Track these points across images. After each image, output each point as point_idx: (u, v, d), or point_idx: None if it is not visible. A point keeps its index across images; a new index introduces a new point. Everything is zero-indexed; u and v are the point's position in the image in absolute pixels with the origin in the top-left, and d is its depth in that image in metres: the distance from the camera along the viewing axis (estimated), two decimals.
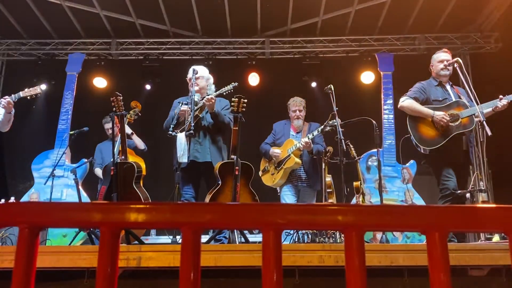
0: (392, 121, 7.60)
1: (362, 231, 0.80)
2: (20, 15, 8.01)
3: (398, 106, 4.57)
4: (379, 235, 5.97)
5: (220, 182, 4.34)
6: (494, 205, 0.82)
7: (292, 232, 4.38)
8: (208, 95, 4.72)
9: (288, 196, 5.23)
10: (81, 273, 2.64)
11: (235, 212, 0.82)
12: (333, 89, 4.77)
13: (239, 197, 4.17)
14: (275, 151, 5.25)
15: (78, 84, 8.08)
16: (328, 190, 5.09)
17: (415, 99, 4.43)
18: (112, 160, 4.38)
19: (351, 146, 5.38)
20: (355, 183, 5.52)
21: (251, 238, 5.54)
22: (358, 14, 7.93)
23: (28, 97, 4.79)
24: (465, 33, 8.44)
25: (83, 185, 6.57)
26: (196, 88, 4.62)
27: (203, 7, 7.74)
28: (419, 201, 6.62)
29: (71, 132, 5.87)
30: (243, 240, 4.12)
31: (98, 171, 6.12)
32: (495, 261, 2.64)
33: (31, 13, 7.85)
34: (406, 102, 4.45)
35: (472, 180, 4.47)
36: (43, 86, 4.97)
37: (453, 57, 4.64)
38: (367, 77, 8.35)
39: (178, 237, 4.00)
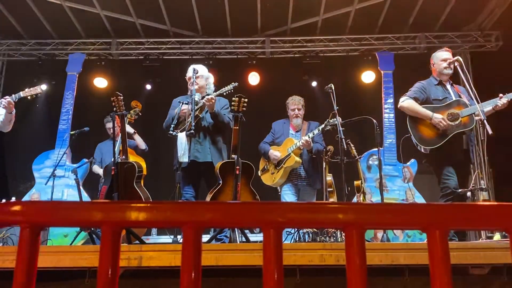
0: (393, 120, 7.59)
1: (362, 229, 0.80)
2: (20, 15, 8.01)
3: (398, 106, 4.58)
4: (380, 234, 5.97)
5: (221, 182, 4.34)
6: (495, 203, 0.82)
7: (293, 231, 4.38)
8: (207, 95, 4.73)
9: (288, 195, 5.23)
10: (82, 273, 2.64)
11: (235, 210, 0.82)
12: (333, 88, 4.76)
13: (240, 197, 4.17)
14: (274, 153, 5.25)
15: (78, 84, 8.08)
16: (329, 189, 5.09)
17: (415, 99, 4.43)
18: (112, 159, 4.38)
19: (352, 145, 5.38)
20: (356, 182, 5.52)
21: (252, 237, 5.54)
22: (359, 13, 7.93)
23: (29, 97, 4.79)
24: (466, 31, 8.43)
25: (84, 185, 6.57)
26: (196, 87, 4.62)
27: (203, 6, 7.74)
28: (420, 200, 6.61)
29: (72, 132, 5.87)
30: (244, 239, 4.12)
31: (97, 168, 6.13)
32: (496, 260, 2.64)
33: (32, 13, 7.85)
34: (405, 102, 4.45)
35: (473, 178, 4.47)
36: (44, 86, 4.97)
37: (453, 56, 4.63)
38: (367, 76, 8.35)
39: (179, 236, 4.00)
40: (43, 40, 8.63)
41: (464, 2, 7.57)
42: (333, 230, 4.14)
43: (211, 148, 4.69)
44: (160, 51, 8.66)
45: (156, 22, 8.37)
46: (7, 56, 8.80)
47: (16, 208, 0.80)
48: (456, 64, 4.48)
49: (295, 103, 5.42)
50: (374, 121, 4.75)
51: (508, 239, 0.81)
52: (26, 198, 6.80)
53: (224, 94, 4.70)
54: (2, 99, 4.64)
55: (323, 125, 4.93)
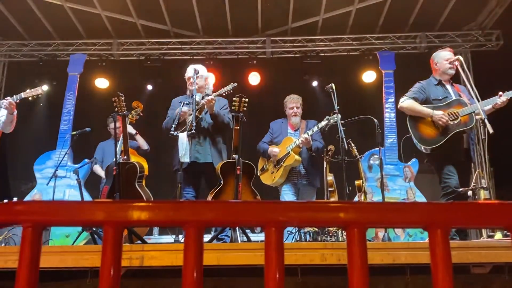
0: (394, 119, 7.59)
1: (364, 228, 0.80)
2: (22, 16, 8.03)
3: (398, 106, 4.59)
4: (381, 233, 5.97)
5: (222, 182, 4.34)
6: (496, 202, 0.82)
7: (294, 231, 4.38)
8: (207, 95, 4.74)
9: (288, 196, 5.21)
10: (84, 273, 2.65)
11: (237, 209, 0.83)
12: (334, 87, 4.76)
13: (241, 196, 4.17)
14: (273, 149, 5.22)
15: (79, 84, 8.09)
16: (330, 189, 5.10)
17: (415, 99, 4.44)
18: (114, 160, 4.39)
19: (353, 144, 5.38)
20: (357, 182, 5.52)
21: (253, 237, 5.54)
22: (359, 13, 7.93)
23: (30, 98, 4.79)
24: (466, 31, 8.43)
25: (86, 185, 6.57)
26: (196, 87, 4.62)
27: (203, 7, 7.75)
28: (421, 199, 6.62)
29: (73, 133, 5.87)
30: (245, 239, 4.13)
31: (98, 169, 6.14)
32: (498, 259, 2.64)
33: (33, 14, 7.86)
34: (405, 102, 4.46)
35: (474, 178, 4.46)
36: (45, 87, 4.98)
37: (454, 55, 4.64)
38: (368, 76, 8.36)
39: (180, 236, 4.01)
40: (44, 40, 8.64)
41: (465, 1, 7.57)
42: (334, 230, 4.14)
43: (211, 149, 4.69)
44: (161, 52, 8.67)
45: (156, 23, 8.38)
46: (8, 57, 8.82)
47: (18, 207, 0.80)
48: (456, 63, 4.49)
49: (293, 101, 5.42)
50: (375, 120, 4.75)
51: (510, 238, 0.81)
52: (27, 198, 6.81)
53: (224, 94, 4.71)
54: (4, 100, 4.65)
55: (322, 123, 4.92)
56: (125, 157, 4.60)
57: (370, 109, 6.37)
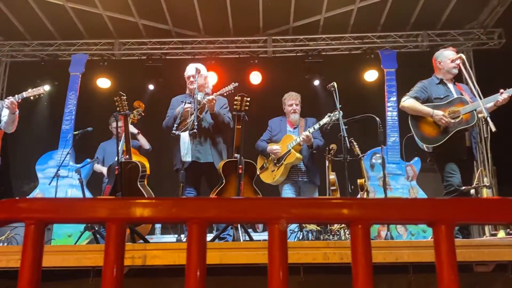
0: (396, 118, 7.59)
1: (368, 224, 0.80)
2: (23, 16, 8.04)
3: (400, 106, 4.61)
4: (383, 232, 5.96)
5: (224, 181, 4.34)
6: (501, 197, 0.82)
7: (296, 230, 4.38)
8: (206, 94, 4.74)
9: (288, 195, 5.20)
10: (86, 272, 2.65)
11: (240, 206, 0.82)
12: (336, 86, 4.75)
13: (243, 195, 4.17)
14: (273, 147, 5.20)
15: (81, 84, 8.12)
16: (332, 188, 5.09)
17: (416, 98, 4.45)
18: (116, 159, 4.39)
19: (355, 143, 5.37)
20: (359, 181, 5.51)
21: (256, 236, 5.54)
22: (361, 12, 7.93)
23: (32, 98, 4.80)
24: (468, 29, 8.41)
25: (88, 185, 6.58)
26: (195, 86, 4.62)
27: (205, 6, 7.75)
28: None
29: (75, 133, 5.87)
30: (247, 238, 4.13)
31: (99, 167, 6.14)
32: (501, 257, 2.63)
33: (34, 14, 7.87)
34: (407, 102, 4.48)
35: (477, 176, 4.46)
36: (47, 87, 4.98)
37: (456, 54, 4.64)
38: (370, 75, 8.35)
39: (182, 236, 4.01)
40: (45, 41, 8.65)
41: (466, 0, 7.55)
42: (336, 229, 4.13)
43: (212, 149, 4.69)
44: (163, 51, 8.67)
45: (158, 22, 8.39)
46: (10, 57, 8.83)
47: (20, 204, 0.80)
48: (458, 61, 4.50)
49: (292, 98, 5.40)
50: (377, 119, 4.75)
51: None
52: None
53: (225, 94, 4.71)
54: (5, 100, 4.66)
55: (324, 120, 4.91)
56: (127, 156, 4.60)
57: (372, 108, 6.36)
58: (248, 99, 4.39)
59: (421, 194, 6.75)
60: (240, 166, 4.23)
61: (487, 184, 4.18)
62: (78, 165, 6.36)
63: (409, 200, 0.82)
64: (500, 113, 4.37)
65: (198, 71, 4.69)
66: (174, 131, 4.33)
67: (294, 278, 2.62)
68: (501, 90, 4.22)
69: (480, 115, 4.17)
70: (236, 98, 4.37)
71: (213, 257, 2.49)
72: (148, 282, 2.75)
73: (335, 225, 4.11)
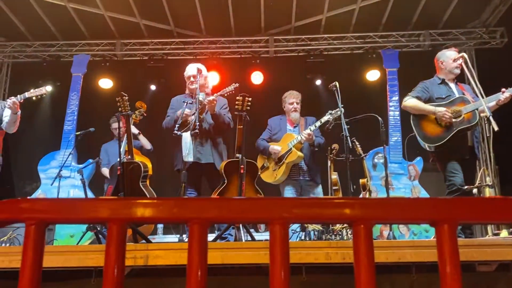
0: (398, 117, 7.58)
1: (370, 224, 0.79)
2: (25, 17, 8.05)
3: (402, 106, 4.62)
4: (386, 232, 5.96)
5: (225, 181, 4.34)
6: (504, 197, 0.81)
7: (298, 230, 4.37)
8: (206, 94, 4.74)
9: (289, 196, 5.18)
10: (88, 273, 2.65)
11: (241, 206, 0.82)
12: (338, 86, 4.75)
13: (245, 195, 4.17)
14: (274, 147, 5.19)
15: (83, 85, 8.13)
16: (334, 188, 5.09)
17: (418, 98, 4.46)
18: (118, 159, 4.39)
19: (357, 143, 5.36)
20: (361, 180, 5.50)
21: (257, 236, 5.54)
22: (362, 11, 7.92)
23: (34, 98, 4.80)
24: (470, 28, 8.40)
25: (90, 185, 6.59)
26: (196, 86, 4.62)
27: (206, 6, 7.75)
28: None
29: (77, 133, 5.89)
30: (249, 238, 4.12)
31: (105, 171, 6.14)
32: (503, 257, 2.62)
33: (36, 15, 7.89)
34: (408, 101, 4.48)
35: (479, 175, 4.45)
36: (49, 88, 4.98)
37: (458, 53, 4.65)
38: (372, 74, 8.34)
39: (184, 236, 4.01)
40: (47, 41, 8.66)
41: None
42: (338, 229, 4.13)
43: (213, 150, 4.68)
44: (164, 52, 8.68)
45: (160, 23, 8.39)
46: (12, 58, 8.84)
47: (21, 205, 0.80)
48: (461, 60, 4.50)
49: (293, 97, 5.40)
50: (380, 118, 4.74)
51: None
52: None
53: (226, 95, 4.71)
54: (7, 100, 4.66)
55: (325, 117, 4.91)
56: (129, 156, 4.60)
57: (374, 107, 6.35)
58: (250, 99, 4.39)
59: (423, 194, 6.74)
60: (242, 166, 4.22)
61: (490, 184, 4.17)
62: (80, 166, 6.37)
63: (411, 199, 0.81)
64: (502, 112, 4.37)
65: (199, 71, 4.69)
66: (175, 131, 4.33)
67: (296, 278, 2.61)
68: (503, 89, 4.21)
69: (482, 114, 4.16)
70: (237, 98, 4.37)
71: (215, 257, 2.48)
72: (150, 282, 2.75)
73: (337, 225, 4.11)
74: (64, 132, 7.66)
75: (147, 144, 5.95)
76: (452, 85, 4.55)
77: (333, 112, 4.81)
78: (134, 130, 5.60)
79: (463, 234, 4.12)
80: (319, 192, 5.26)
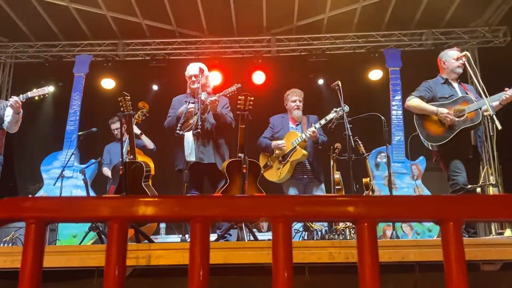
0: (401, 117, 7.56)
1: (374, 222, 0.78)
2: (27, 17, 8.05)
3: (405, 105, 4.63)
4: (389, 231, 5.94)
5: (228, 181, 4.33)
6: (509, 194, 0.80)
7: (301, 229, 4.36)
8: (208, 93, 4.74)
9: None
10: (91, 273, 2.64)
11: (243, 204, 0.81)
12: (340, 85, 4.73)
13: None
14: (277, 142, 5.17)
15: (85, 85, 8.13)
16: (337, 187, 5.07)
17: (421, 97, 4.48)
18: (120, 159, 4.39)
19: (360, 142, 5.35)
20: (364, 180, 5.48)
21: (260, 236, 5.52)
22: (365, 10, 7.89)
23: (36, 98, 4.79)
24: (473, 27, 8.37)
25: (92, 185, 6.59)
26: (198, 85, 4.62)
27: (208, 6, 7.74)
28: None
29: (80, 133, 5.89)
30: (252, 238, 4.11)
31: (106, 171, 6.14)
32: (508, 256, 2.61)
33: (38, 16, 7.89)
34: (411, 101, 4.50)
35: (482, 174, 4.44)
36: (51, 88, 4.98)
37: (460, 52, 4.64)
38: (374, 73, 8.32)
39: (187, 235, 4.00)
40: (50, 42, 8.66)
41: None
42: (341, 228, 4.11)
43: (215, 151, 4.68)
44: (166, 52, 8.67)
45: (162, 23, 8.38)
46: (14, 59, 8.84)
47: (21, 203, 0.79)
48: (464, 59, 4.50)
49: (296, 94, 5.38)
50: (382, 118, 4.73)
51: None
52: None
53: (228, 95, 4.70)
54: (10, 99, 4.65)
55: (330, 115, 4.90)
56: (131, 156, 4.60)
57: (377, 106, 6.34)
58: (252, 98, 4.39)
59: (426, 193, 6.72)
60: (245, 166, 4.22)
61: (493, 183, 4.16)
62: (83, 166, 6.38)
63: (416, 197, 0.80)
64: (505, 111, 4.36)
65: (201, 70, 4.68)
66: (178, 131, 4.33)
67: (299, 278, 2.60)
68: (506, 88, 4.21)
69: (486, 113, 4.16)
70: (239, 97, 4.36)
71: (218, 257, 2.48)
72: (153, 282, 2.74)
73: (340, 224, 4.09)
74: (66, 132, 7.67)
75: (149, 144, 5.95)
76: (455, 85, 4.56)
77: (338, 109, 4.80)
78: (136, 130, 5.60)
79: (466, 233, 4.11)
80: (322, 190, 5.25)
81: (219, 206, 0.81)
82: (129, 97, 4.57)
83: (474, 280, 2.71)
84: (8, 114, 4.67)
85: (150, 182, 4.58)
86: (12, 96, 4.65)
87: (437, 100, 4.45)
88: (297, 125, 5.35)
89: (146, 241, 3.89)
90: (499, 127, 3.89)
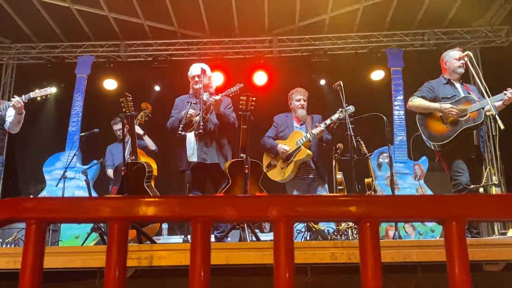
0: (403, 117, 7.55)
1: (377, 222, 0.78)
2: (29, 19, 8.06)
3: (407, 106, 4.64)
4: (391, 232, 5.93)
5: (230, 181, 4.33)
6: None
7: (303, 230, 4.35)
8: (210, 94, 4.74)
9: None
10: (93, 274, 2.64)
11: (245, 204, 0.81)
12: (342, 85, 4.73)
13: None
14: (283, 147, 5.15)
15: (87, 86, 8.14)
16: (339, 187, 5.06)
17: (423, 97, 4.49)
18: (122, 160, 4.39)
19: (362, 142, 5.34)
20: (366, 180, 5.47)
21: (262, 236, 5.52)
22: (366, 10, 7.88)
23: (38, 98, 4.80)
24: (475, 27, 8.35)
25: (95, 186, 6.59)
26: (200, 86, 4.61)
27: (210, 7, 7.74)
28: None
29: (82, 134, 5.89)
30: (254, 239, 4.11)
31: (110, 172, 6.15)
32: (510, 256, 2.59)
33: (40, 17, 7.90)
34: (414, 101, 4.51)
35: (485, 174, 4.43)
36: (53, 89, 4.98)
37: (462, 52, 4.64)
38: (376, 73, 8.32)
39: (189, 236, 3.99)
40: (52, 43, 8.68)
41: None
42: (344, 228, 4.10)
43: (218, 152, 4.68)
44: (168, 52, 8.68)
45: (163, 24, 8.38)
46: (16, 60, 8.86)
47: (21, 204, 0.79)
48: (466, 59, 4.49)
49: (300, 93, 5.36)
50: (385, 118, 4.73)
51: None
52: None
53: (230, 95, 4.70)
54: (12, 99, 4.66)
55: (336, 115, 4.89)
56: (133, 157, 4.59)
57: (379, 107, 6.31)
58: (254, 98, 4.39)
59: (429, 194, 6.71)
60: (247, 166, 4.21)
61: (496, 183, 4.15)
62: (85, 167, 6.38)
63: (418, 197, 0.80)
64: (508, 111, 4.35)
65: (203, 71, 4.69)
66: (180, 132, 4.33)
67: (301, 278, 2.60)
68: (508, 88, 4.20)
69: (488, 113, 4.15)
70: (241, 97, 4.36)
71: (220, 257, 2.47)
72: (155, 283, 2.74)
73: (343, 224, 4.09)
74: (68, 133, 7.68)
75: (151, 145, 5.95)
76: (457, 85, 4.55)
77: (343, 109, 4.79)
78: (139, 130, 5.60)
79: (469, 233, 4.10)
80: (326, 190, 5.23)
81: (221, 206, 0.80)
82: (131, 98, 4.57)
83: (477, 281, 2.70)
84: (10, 114, 4.68)
85: (152, 183, 4.58)
86: (14, 96, 4.65)
87: (439, 100, 4.45)
88: (301, 124, 5.34)
89: (148, 242, 3.88)
90: (502, 127, 3.88)
